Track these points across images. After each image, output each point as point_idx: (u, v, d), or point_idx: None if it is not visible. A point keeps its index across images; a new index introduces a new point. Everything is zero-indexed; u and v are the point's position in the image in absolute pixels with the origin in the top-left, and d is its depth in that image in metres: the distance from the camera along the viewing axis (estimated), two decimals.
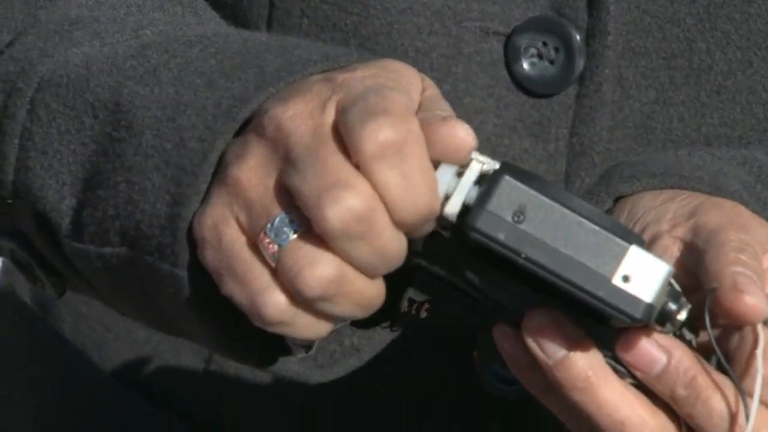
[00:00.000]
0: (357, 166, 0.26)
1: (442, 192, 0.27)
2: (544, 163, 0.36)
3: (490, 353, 0.30)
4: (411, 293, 0.29)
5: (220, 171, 0.28)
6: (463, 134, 0.27)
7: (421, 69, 0.35)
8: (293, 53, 0.30)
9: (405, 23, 0.36)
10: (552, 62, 0.36)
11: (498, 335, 0.28)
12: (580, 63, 0.36)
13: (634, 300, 0.25)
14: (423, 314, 0.30)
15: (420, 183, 0.26)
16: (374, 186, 0.26)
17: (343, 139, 0.26)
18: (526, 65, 0.36)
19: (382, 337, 0.36)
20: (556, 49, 0.36)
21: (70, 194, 0.31)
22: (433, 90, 0.29)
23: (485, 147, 0.35)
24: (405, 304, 0.29)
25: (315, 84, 0.28)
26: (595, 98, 0.36)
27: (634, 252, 0.26)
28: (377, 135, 0.25)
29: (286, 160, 0.26)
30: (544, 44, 0.36)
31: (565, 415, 0.28)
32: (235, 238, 0.27)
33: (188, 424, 0.41)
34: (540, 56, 0.36)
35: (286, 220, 0.26)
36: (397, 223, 0.26)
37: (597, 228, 0.26)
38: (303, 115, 0.27)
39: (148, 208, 0.29)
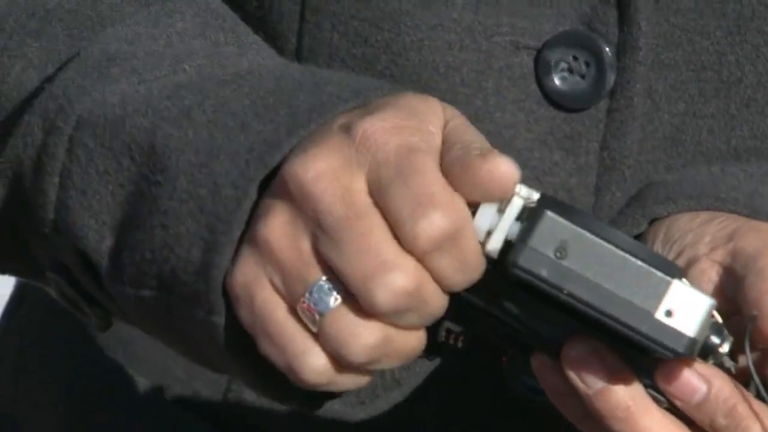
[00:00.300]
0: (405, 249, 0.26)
1: (484, 229, 0.27)
2: (575, 177, 0.36)
3: (520, 366, 0.30)
4: (448, 324, 0.29)
5: (249, 227, 0.28)
6: (504, 169, 0.26)
7: (451, 84, 0.36)
8: (324, 91, 0.30)
9: (436, 39, 0.36)
10: (583, 76, 0.36)
11: (536, 364, 0.28)
12: (611, 77, 0.35)
13: (678, 335, 0.26)
14: (460, 344, 0.30)
15: (472, 262, 0.27)
16: (429, 270, 0.26)
17: (393, 228, 0.26)
18: (556, 79, 0.36)
19: (423, 368, 0.37)
20: (587, 64, 0.36)
21: (109, 235, 0.31)
22: (458, 120, 0.29)
23: (517, 160, 0.35)
24: (443, 334, 0.30)
25: (335, 136, 0.28)
26: (626, 112, 0.36)
27: (677, 286, 0.26)
28: (432, 231, 0.26)
29: (317, 226, 0.26)
30: (575, 58, 0.36)
31: None
32: (268, 300, 0.27)
33: (212, 424, 0.41)
34: (570, 70, 0.36)
35: (325, 288, 0.26)
36: (446, 291, 0.27)
37: (639, 263, 0.26)
38: (328, 177, 0.26)
39: (183, 254, 0.29)
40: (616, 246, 0.26)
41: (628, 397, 0.27)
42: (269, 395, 0.32)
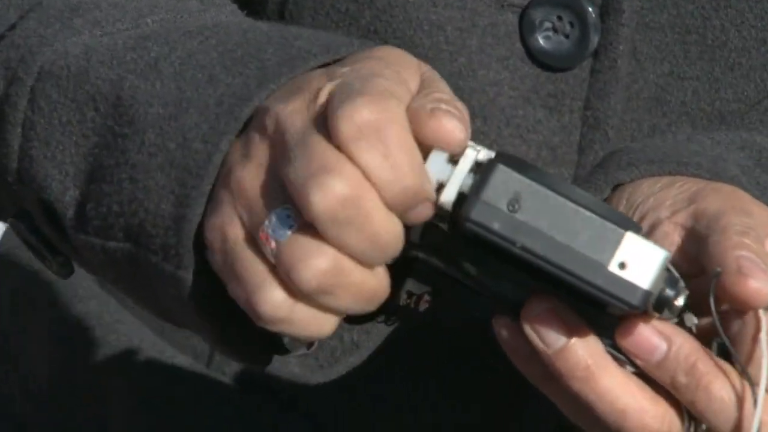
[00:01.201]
0: (339, 150, 0.25)
1: (434, 179, 0.26)
2: (558, 135, 0.36)
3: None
4: (409, 285, 0.29)
5: (224, 171, 0.28)
6: (450, 127, 0.26)
7: (435, 42, 0.36)
8: (294, 45, 0.30)
9: (415, 3, 0.36)
10: (567, 36, 0.36)
11: (497, 326, 0.28)
12: (595, 38, 0.36)
13: (631, 287, 0.25)
14: (422, 306, 0.29)
15: (402, 161, 0.25)
16: (359, 168, 0.25)
17: (326, 124, 0.26)
18: (541, 39, 0.36)
19: (381, 331, 0.37)
20: (571, 24, 0.36)
21: (73, 186, 0.31)
22: (429, 73, 0.29)
23: (500, 118, 0.36)
24: (404, 296, 0.29)
25: (314, 78, 0.28)
26: (609, 73, 0.36)
27: (630, 238, 0.25)
28: (353, 115, 0.25)
29: (281, 154, 0.26)
30: (559, 18, 0.36)
31: (566, 405, 0.28)
32: (238, 238, 0.27)
33: (266, 397, 0.40)
34: (555, 30, 0.36)
35: (284, 216, 0.26)
36: (387, 205, 0.26)
37: (593, 215, 0.25)
38: (300, 110, 0.26)
39: (152, 208, 0.29)
40: (570, 199, 0.26)
41: (587, 356, 0.26)
42: (232, 355, 0.32)
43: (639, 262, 0.25)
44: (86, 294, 0.42)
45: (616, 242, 0.25)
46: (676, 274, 0.27)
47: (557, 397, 0.28)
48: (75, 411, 0.43)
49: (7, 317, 0.47)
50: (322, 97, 0.26)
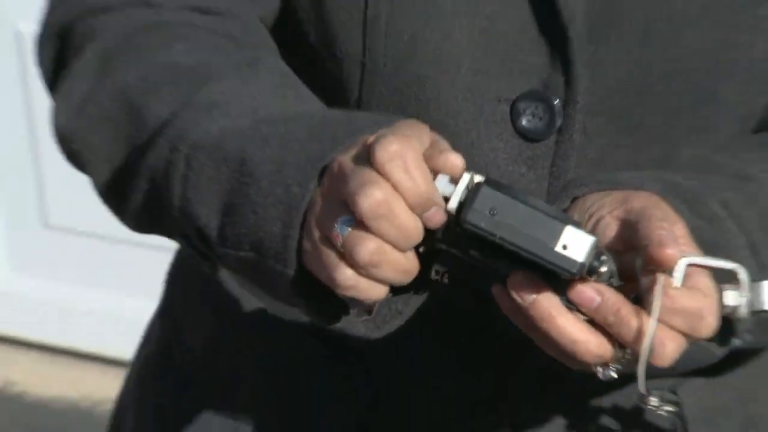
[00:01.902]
0: (377, 170, 0.38)
1: (441, 193, 0.40)
2: (534, 183, 0.51)
3: None
4: (437, 266, 0.43)
5: (312, 202, 0.42)
6: (453, 157, 0.40)
7: (456, 122, 0.51)
8: (354, 123, 0.44)
9: (447, 93, 0.51)
10: (541, 119, 0.51)
11: (496, 292, 0.42)
12: (558, 121, 0.50)
13: (571, 261, 0.38)
14: (445, 280, 0.44)
15: (419, 177, 0.39)
16: (390, 182, 0.38)
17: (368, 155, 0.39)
18: (524, 121, 0.51)
19: (416, 302, 0.51)
20: (544, 111, 0.51)
21: (215, 217, 0.45)
22: (437, 136, 0.43)
23: (496, 172, 0.50)
24: (433, 273, 0.44)
25: (364, 137, 0.41)
26: (567, 144, 0.51)
27: (569, 229, 0.39)
28: (386, 146, 0.38)
29: (341, 181, 0.39)
30: (536, 107, 0.51)
31: (541, 341, 0.42)
32: (319, 241, 0.41)
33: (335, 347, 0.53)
34: (533, 115, 0.51)
35: (345, 220, 0.39)
36: (410, 207, 0.38)
37: (545, 216, 0.39)
38: (353, 155, 0.41)
39: (268, 230, 0.43)
40: (531, 206, 0.39)
41: (549, 306, 0.40)
42: (319, 320, 0.47)
43: (575, 244, 0.38)
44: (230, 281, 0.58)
45: (560, 232, 0.38)
46: (603, 251, 0.41)
47: (535, 336, 0.42)
48: (222, 367, 0.59)
49: (180, 303, 0.63)
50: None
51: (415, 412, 0.55)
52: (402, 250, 0.40)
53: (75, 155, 0.50)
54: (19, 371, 1.50)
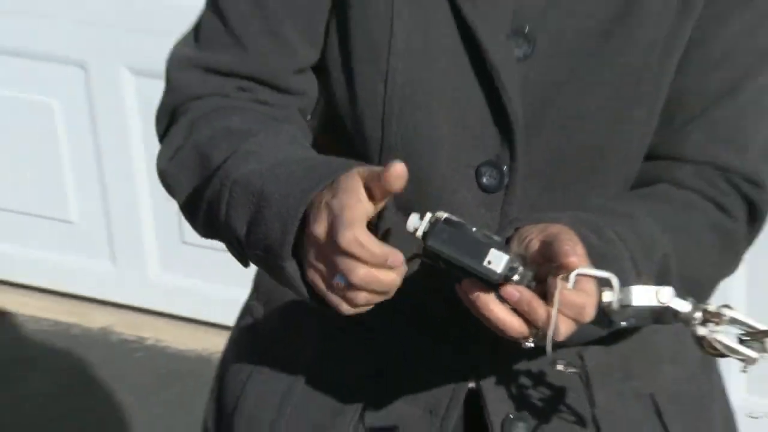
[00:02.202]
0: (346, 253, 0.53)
1: (412, 227, 0.56)
2: (490, 220, 0.69)
3: None
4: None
5: (306, 220, 0.58)
6: (395, 167, 0.53)
7: (440, 182, 0.68)
8: (326, 170, 0.59)
9: (436, 164, 0.69)
10: (495, 179, 0.71)
11: (457, 289, 0.57)
12: (506, 180, 0.70)
13: (492, 271, 0.55)
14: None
15: (374, 248, 0.54)
16: (359, 259, 0.53)
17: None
18: (484, 180, 0.70)
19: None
20: (497, 173, 0.69)
21: (244, 229, 0.62)
22: (366, 167, 0.57)
23: (465, 215, 0.60)
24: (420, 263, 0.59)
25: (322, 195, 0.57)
26: (512, 195, 0.70)
27: (493, 251, 0.55)
28: (344, 237, 0.53)
29: (329, 226, 0.55)
30: (492, 171, 0.70)
31: (486, 323, 0.57)
32: (326, 285, 0.57)
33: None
34: (490, 176, 0.71)
35: (341, 277, 0.55)
36: (378, 266, 0.54)
37: (479, 242, 0.55)
38: (326, 198, 0.57)
39: (272, 237, 0.59)
40: (471, 235, 0.56)
41: (487, 300, 0.55)
42: (312, 304, 0.60)
43: (496, 261, 0.55)
44: None
45: (487, 252, 0.55)
46: (517, 264, 0.56)
47: (482, 320, 0.57)
48: (288, 342, 0.79)
49: (264, 291, 0.81)
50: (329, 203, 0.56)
51: (408, 370, 0.74)
52: (386, 295, 0.57)
53: (168, 186, 0.71)
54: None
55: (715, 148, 0.68)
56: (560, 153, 0.69)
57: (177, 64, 0.72)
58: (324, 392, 0.75)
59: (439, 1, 0.66)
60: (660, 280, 0.61)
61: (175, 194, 0.71)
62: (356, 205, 0.55)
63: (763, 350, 0.56)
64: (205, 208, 0.67)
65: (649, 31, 0.65)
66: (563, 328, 0.56)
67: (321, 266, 0.58)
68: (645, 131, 0.68)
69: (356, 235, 0.53)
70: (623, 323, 0.60)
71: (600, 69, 0.67)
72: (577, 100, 0.67)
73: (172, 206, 0.74)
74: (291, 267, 0.60)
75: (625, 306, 0.58)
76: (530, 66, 0.67)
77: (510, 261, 0.56)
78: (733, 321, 0.56)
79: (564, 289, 0.55)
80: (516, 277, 0.57)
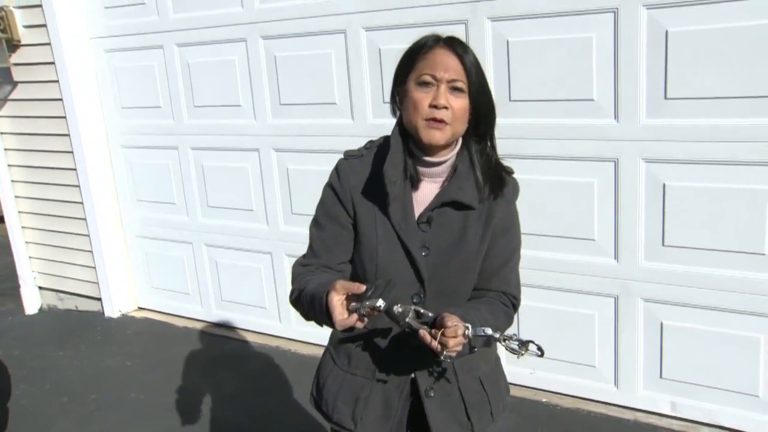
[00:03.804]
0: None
1: (368, 304, 1.24)
2: (416, 292, 1.48)
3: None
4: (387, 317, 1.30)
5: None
6: (357, 287, 1.29)
7: (393, 274, 1.45)
8: (329, 285, 1.36)
9: (396, 283, 1.35)
10: (419, 297, 1.49)
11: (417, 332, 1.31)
12: (424, 299, 1.50)
13: (408, 323, 1.29)
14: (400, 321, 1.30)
15: (348, 320, 1.29)
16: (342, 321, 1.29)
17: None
18: (414, 299, 1.48)
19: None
20: (420, 296, 1.48)
21: (314, 314, 1.41)
22: (347, 283, 1.33)
23: (403, 292, 1.46)
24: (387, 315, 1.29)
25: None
26: (426, 303, 1.47)
27: (380, 301, 1.24)
28: (337, 317, 1.29)
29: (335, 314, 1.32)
30: (418, 296, 1.48)
31: (426, 345, 1.30)
32: (337, 322, 1.30)
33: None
34: (417, 296, 1.48)
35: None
36: (341, 327, 1.30)
37: (405, 313, 1.29)
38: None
39: (318, 313, 1.38)
40: (403, 307, 1.29)
41: (423, 334, 1.29)
42: (334, 329, 1.39)
43: (412, 318, 1.30)
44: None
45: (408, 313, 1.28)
46: (400, 310, 1.28)
47: (424, 343, 1.29)
48: (349, 358, 1.63)
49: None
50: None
51: (388, 365, 1.53)
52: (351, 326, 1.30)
53: (296, 307, 1.50)
54: None
55: (502, 286, 1.52)
56: (443, 290, 1.47)
57: (296, 265, 1.57)
58: (351, 385, 1.58)
59: (395, 239, 1.46)
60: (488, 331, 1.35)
61: (298, 310, 1.51)
62: (334, 303, 1.30)
63: (526, 351, 1.26)
64: (303, 311, 1.48)
65: (473, 242, 1.47)
66: (453, 350, 1.27)
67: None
68: (472, 281, 1.50)
69: (342, 318, 1.29)
70: (479, 345, 1.32)
71: (454, 258, 1.46)
72: (447, 271, 1.46)
73: None
74: (327, 322, 1.34)
75: (475, 337, 1.27)
76: (428, 258, 1.46)
77: (414, 316, 1.31)
78: (515, 338, 1.28)
79: (448, 330, 1.27)
80: (420, 325, 1.30)
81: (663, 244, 2.84)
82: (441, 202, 1.44)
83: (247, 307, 4.20)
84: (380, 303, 1.19)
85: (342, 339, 1.56)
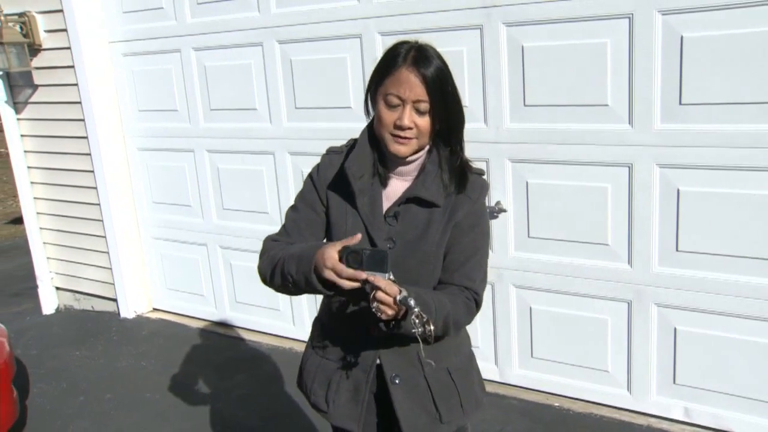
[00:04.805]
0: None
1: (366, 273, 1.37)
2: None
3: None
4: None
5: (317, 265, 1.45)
6: (357, 236, 1.43)
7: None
8: (317, 246, 1.47)
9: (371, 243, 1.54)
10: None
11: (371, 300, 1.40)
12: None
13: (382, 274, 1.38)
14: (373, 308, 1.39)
15: (343, 272, 1.39)
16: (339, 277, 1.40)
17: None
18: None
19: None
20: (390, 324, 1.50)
21: (295, 271, 1.49)
22: (336, 244, 1.45)
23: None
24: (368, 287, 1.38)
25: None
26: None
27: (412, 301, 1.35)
28: (326, 270, 1.40)
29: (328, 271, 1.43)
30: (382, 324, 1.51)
31: (378, 311, 1.38)
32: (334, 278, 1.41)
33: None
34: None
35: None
36: (343, 275, 1.40)
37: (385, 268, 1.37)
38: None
39: (302, 272, 1.46)
40: (379, 256, 1.36)
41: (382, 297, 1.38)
42: (325, 293, 1.46)
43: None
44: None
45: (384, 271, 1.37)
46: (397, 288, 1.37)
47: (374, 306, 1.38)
48: (324, 332, 1.76)
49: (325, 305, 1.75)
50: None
51: (356, 347, 1.63)
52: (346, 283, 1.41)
53: (261, 275, 1.61)
54: None
55: (464, 281, 1.58)
56: (405, 281, 1.49)
57: (267, 240, 1.66)
58: (324, 369, 1.69)
59: (363, 230, 1.55)
60: (444, 320, 1.49)
61: (262, 275, 1.60)
62: (333, 255, 1.39)
63: (422, 331, 1.34)
64: (278, 272, 1.54)
65: (434, 236, 1.55)
66: (384, 308, 1.36)
67: (331, 275, 1.39)
68: (434, 274, 1.58)
69: (333, 264, 1.38)
70: (426, 333, 1.34)
71: (417, 251, 1.56)
72: (410, 262, 1.55)
73: None
74: (314, 279, 1.43)
75: (409, 307, 1.34)
76: (393, 251, 1.54)
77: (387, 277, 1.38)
78: (425, 318, 1.35)
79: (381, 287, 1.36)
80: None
81: (677, 250, 2.83)
82: (406, 198, 1.56)
83: (261, 309, 4.23)
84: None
85: (318, 319, 1.76)
